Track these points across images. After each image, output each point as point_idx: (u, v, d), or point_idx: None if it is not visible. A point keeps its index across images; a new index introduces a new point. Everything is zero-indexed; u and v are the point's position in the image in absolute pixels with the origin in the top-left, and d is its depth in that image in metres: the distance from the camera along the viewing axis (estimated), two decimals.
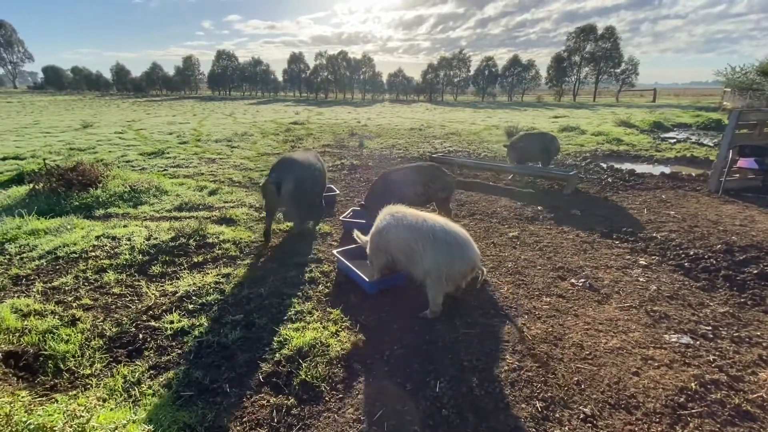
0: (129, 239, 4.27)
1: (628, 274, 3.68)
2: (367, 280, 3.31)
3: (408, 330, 2.83)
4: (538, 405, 2.15)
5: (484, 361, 2.49)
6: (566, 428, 2.01)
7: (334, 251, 3.81)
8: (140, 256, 3.91)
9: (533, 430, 2.01)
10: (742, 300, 3.27)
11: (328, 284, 3.50)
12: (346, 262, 3.52)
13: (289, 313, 3.02)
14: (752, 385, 2.30)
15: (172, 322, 2.88)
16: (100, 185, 6.06)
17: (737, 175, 6.71)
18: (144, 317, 2.97)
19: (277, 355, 2.55)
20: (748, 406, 2.16)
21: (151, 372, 2.43)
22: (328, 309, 3.09)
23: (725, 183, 6.45)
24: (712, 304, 3.21)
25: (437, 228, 2.82)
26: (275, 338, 2.71)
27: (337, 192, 6.22)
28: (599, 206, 5.91)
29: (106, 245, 4.14)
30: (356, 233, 3.53)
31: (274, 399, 2.21)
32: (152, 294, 3.30)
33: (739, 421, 2.07)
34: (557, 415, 2.09)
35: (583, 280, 3.51)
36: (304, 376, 2.35)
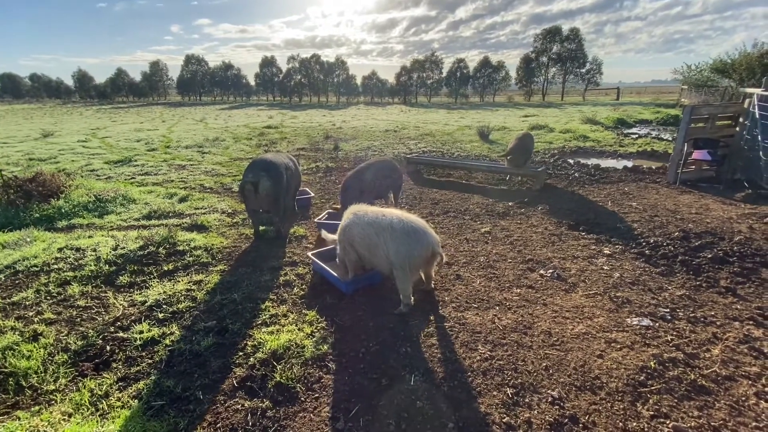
0: (94, 250, 4.12)
1: (594, 264, 3.85)
2: (342, 280, 3.32)
3: (383, 327, 2.86)
4: (509, 392, 2.22)
5: (458, 352, 2.55)
6: (535, 411, 2.09)
7: (309, 253, 3.80)
8: (107, 267, 3.78)
9: (504, 415, 2.07)
10: (698, 283, 3.47)
11: (304, 287, 3.49)
12: (321, 264, 3.52)
13: (264, 316, 3.00)
14: (706, 361, 2.45)
15: (141, 332, 2.81)
16: (63, 196, 5.82)
17: (693, 167, 7.10)
18: (111, 329, 2.88)
19: (251, 359, 2.53)
20: (703, 381, 2.30)
21: (120, 384, 2.36)
22: (303, 311, 3.08)
23: (682, 175, 6.82)
24: (670, 288, 3.39)
25: (395, 220, 2.91)
26: (249, 342, 2.69)
27: (312, 195, 6.20)
28: (567, 200, 6.13)
29: (69, 257, 3.98)
30: (323, 233, 3.55)
31: (249, 403, 2.19)
32: (120, 305, 3.20)
33: (695, 396, 2.21)
34: (527, 400, 2.17)
35: (551, 270, 3.64)
36: (279, 378, 2.34)
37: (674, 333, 2.72)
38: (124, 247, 4.16)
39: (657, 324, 2.82)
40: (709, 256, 4.00)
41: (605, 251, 4.14)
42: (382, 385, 2.30)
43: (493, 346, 2.58)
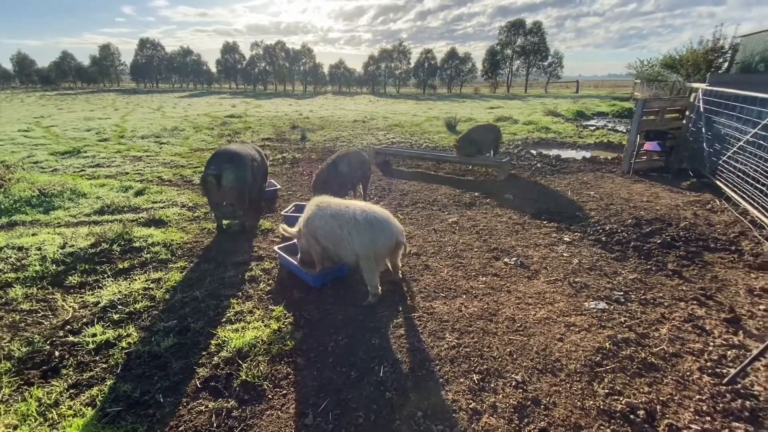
0: (39, 249, 3.82)
1: (555, 251, 4.01)
2: (309, 274, 3.27)
3: (352, 320, 2.85)
4: (475, 378, 2.28)
5: (426, 342, 2.58)
6: (500, 396, 2.16)
7: (275, 247, 3.71)
8: (54, 267, 3.52)
9: (471, 401, 2.13)
10: (648, 267, 3.70)
11: (270, 282, 3.41)
12: (288, 258, 3.45)
13: (228, 314, 2.90)
14: (655, 339, 2.62)
15: (94, 335, 2.64)
16: (1, 190, 5.34)
17: (644, 158, 7.53)
18: (60, 333, 2.69)
19: (215, 358, 2.44)
20: (652, 359, 2.46)
21: (72, 391, 2.22)
22: (270, 307, 3.01)
23: (635, 165, 7.21)
24: (623, 272, 3.60)
25: (358, 212, 2.90)
26: (213, 341, 2.60)
27: (278, 187, 6.04)
28: (530, 190, 6.34)
29: (10, 257, 3.67)
30: (282, 226, 3.45)
31: (213, 403, 2.12)
32: (69, 307, 2.99)
33: (646, 373, 2.36)
34: (492, 385, 2.24)
35: (515, 258, 3.75)
36: (244, 377, 2.28)
37: (627, 315, 2.89)
38: (74, 245, 3.89)
39: (612, 307, 2.98)
40: (659, 241, 4.27)
41: (565, 239, 4.32)
42: (352, 378, 2.30)
43: (460, 334, 2.63)
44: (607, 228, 4.61)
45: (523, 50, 46.72)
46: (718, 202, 5.48)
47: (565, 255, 3.89)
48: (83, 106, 23.97)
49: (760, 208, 4.65)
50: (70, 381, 2.29)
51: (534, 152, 9.28)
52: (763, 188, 4.54)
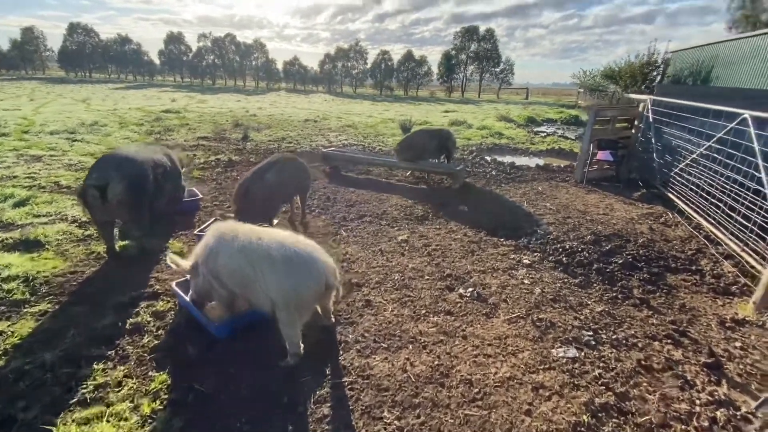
0: None
1: (514, 277, 3.53)
2: (212, 321, 2.51)
3: (262, 392, 2.13)
4: None
5: (358, 424, 1.94)
6: None
7: (172, 283, 2.89)
8: None
9: None
10: (614, 294, 3.32)
11: (161, 332, 2.59)
12: (187, 298, 2.66)
13: (84, 390, 2.07)
14: (638, 402, 2.16)
15: None
16: None
17: (596, 167, 7.44)
18: None
19: None
20: None
21: None
22: (150, 374, 2.21)
23: (588, 174, 7.08)
24: (590, 302, 3.19)
25: (274, 246, 2.19)
26: None
27: (200, 196, 5.13)
28: (485, 200, 5.93)
29: None
30: (171, 258, 2.53)
31: None
32: None
33: None
34: None
35: (471, 289, 3.22)
36: None
37: (601, 364, 2.43)
38: None
39: (583, 353, 2.52)
40: (620, 261, 3.95)
41: (525, 260, 3.87)
42: None
43: (403, 410, 2.01)
44: (567, 246, 4.24)
45: (477, 56, 47.83)
46: (671, 216, 5.36)
47: (526, 282, 3.42)
48: None
49: (715, 224, 4.51)
50: None
51: (489, 159, 9.00)
52: (720, 204, 4.39)
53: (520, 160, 9.25)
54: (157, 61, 55.36)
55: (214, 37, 54.17)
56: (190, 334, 2.57)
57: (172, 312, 2.81)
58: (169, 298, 2.97)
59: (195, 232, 3.99)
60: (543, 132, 14.66)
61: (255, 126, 13.31)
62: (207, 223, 4.12)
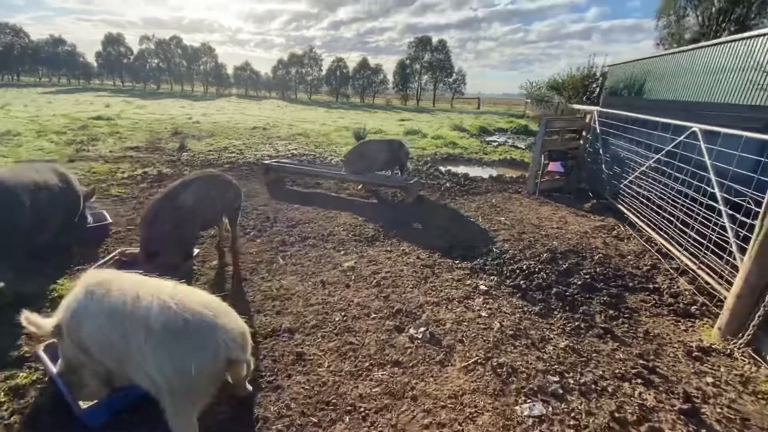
0: None
1: (471, 308, 3.16)
2: (84, 401, 1.88)
3: None
4: None
5: None
6: None
7: (38, 349, 2.19)
8: None
9: None
10: (577, 324, 3.05)
11: (14, 420, 1.91)
12: (55, 369, 2.00)
13: None
14: None
15: None
16: None
17: (547, 178, 7.42)
18: None
19: None
20: None
21: None
22: None
23: (540, 185, 7.01)
24: (552, 335, 2.88)
25: (154, 311, 1.62)
26: None
27: (109, 221, 4.33)
28: (439, 215, 5.60)
29: None
30: (25, 316, 1.83)
31: None
32: None
33: None
34: None
35: (423, 328, 2.80)
36: None
37: (572, 422, 2.08)
38: None
39: (550, 409, 2.16)
40: (579, 282, 3.73)
41: (481, 286, 3.53)
42: None
43: None
44: (524, 266, 3.96)
45: (431, 66, 48.78)
46: (623, 228, 5.32)
47: (483, 314, 3.06)
48: None
49: (668, 238, 4.46)
50: None
51: (443, 170, 8.77)
52: (672, 218, 4.34)
53: (474, 171, 9.13)
54: (94, 64, 51.25)
55: (158, 39, 51.12)
56: (59, 421, 1.91)
57: (39, 387, 2.12)
58: (38, 365, 2.27)
59: (93, 266, 3.25)
60: (495, 141, 14.87)
61: (196, 134, 12.31)
62: (106, 258, 3.39)
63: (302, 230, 4.75)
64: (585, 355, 2.68)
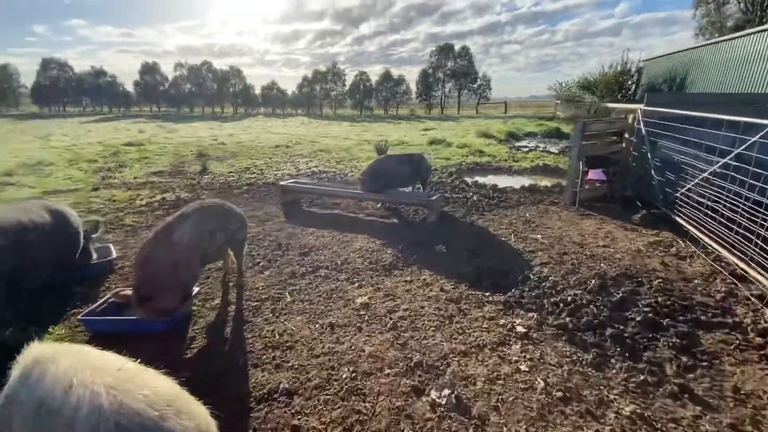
0: None
1: (507, 358, 2.62)
2: None
3: None
4: None
5: None
6: None
7: None
8: None
9: None
10: (643, 378, 2.44)
11: None
12: None
13: None
14: None
15: None
16: None
17: (586, 186, 6.70)
18: None
19: None
20: None
21: None
22: None
23: (579, 195, 6.31)
24: (613, 396, 2.29)
25: (82, 413, 1.22)
26: None
27: (113, 256, 4.12)
28: (466, 235, 5.06)
29: None
30: None
31: None
32: None
33: None
34: None
35: (447, 390, 2.29)
36: None
37: None
38: None
39: None
40: (638, 319, 3.09)
41: (518, 327, 2.97)
42: None
43: None
44: (569, 298, 3.37)
45: (454, 73, 48.22)
46: (683, 244, 4.57)
47: (522, 368, 2.51)
48: None
49: (745, 259, 3.72)
50: None
51: (469, 181, 8.22)
52: (749, 234, 3.61)
53: (504, 181, 8.49)
54: (133, 92, 54.48)
55: (190, 65, 53.69)
56: None
57: None
58: None
59: (80, 317, 2.97)
60: (525, 147, 14.08)
61: (220, 156, 12.41)
62: (100, 302, 3.12)
63: (315, 259, 4.37)
64: (659, 426, 2.08)
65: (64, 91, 52.97)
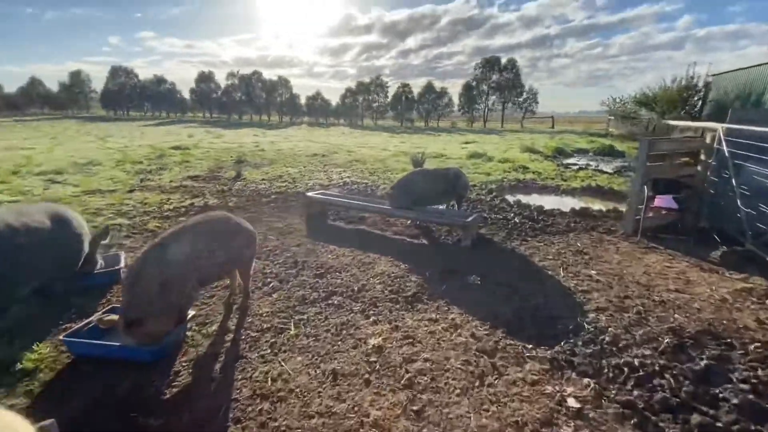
0: None
1: None
2: None
3: None
4: None
5: None
6: None
7: None
8: None
9: None
10: None
11: None
12: None
13: None
14: None
15: None
16: None
17: (650, 214, 5.79)
18: None
19: None
20: None
21: None
22: None
23: (642, 223, 5.43)
24: None
25: None
26: None
27: (121, 265, 3.89)
28: (505, 265, 4.40)
29: None
30: None
31: None
32: None
33: None
34: None
35: None
36: None
37: None
38: None
39: None
40: (735, 402, 2.32)
41: (570, 400, 2.31)
42: None
43: None
44: (636, 362, 2.65)
45: (499, 86, 47.01)
46: None
47: None
48: (25, 133, 21.60)
49: None
50: None
51: (511, 200, 7.49)
52: None
53: (551, 202, 7.68)
54: (189, 99, 58.03)
55: (242, 74, 56.33)
56: None
57: None
58: None
59: (61, 337, 2.68)
60: (574, 164, 13.00)
61: (258, 162, 12.46)
62: (86, 321, 2.83)
63: (330, 282, 3.91)
64: None
65: (129, 96, 57.66)
